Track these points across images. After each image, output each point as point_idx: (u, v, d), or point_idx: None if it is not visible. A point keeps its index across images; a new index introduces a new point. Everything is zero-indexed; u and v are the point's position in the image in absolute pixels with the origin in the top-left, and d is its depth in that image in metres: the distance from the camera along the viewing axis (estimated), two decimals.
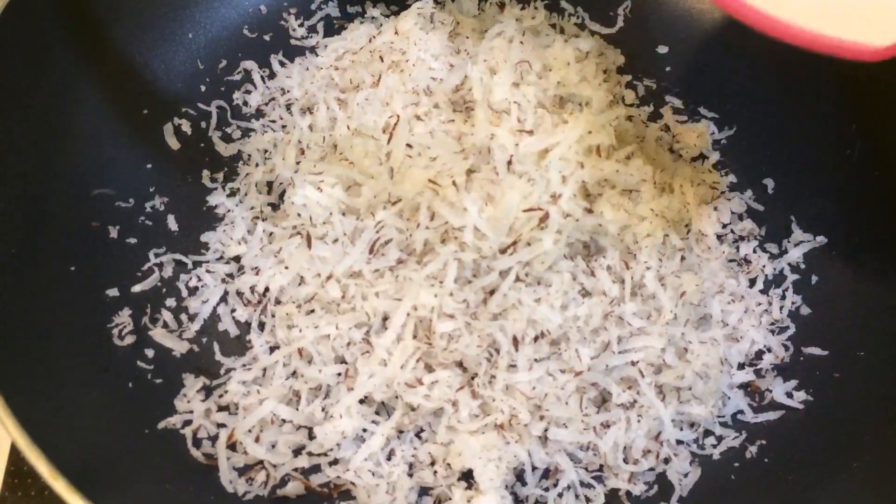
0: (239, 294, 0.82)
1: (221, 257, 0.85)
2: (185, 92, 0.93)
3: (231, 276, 0.84)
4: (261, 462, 0.73)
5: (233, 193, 0.88)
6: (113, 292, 0.80)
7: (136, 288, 0.81)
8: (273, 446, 0.74)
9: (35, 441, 0.61)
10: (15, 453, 0.78)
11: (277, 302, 0.80)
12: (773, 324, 0.82)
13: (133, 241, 0.84)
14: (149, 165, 0.89)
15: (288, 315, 0.78)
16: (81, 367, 0.74)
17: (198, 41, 0.96)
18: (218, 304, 0.82)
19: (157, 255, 0.84)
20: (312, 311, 0.78)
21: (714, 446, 0.76)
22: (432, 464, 0.74)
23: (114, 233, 0.83)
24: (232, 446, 0.73)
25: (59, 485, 0.60)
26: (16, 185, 0.78)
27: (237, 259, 0.84)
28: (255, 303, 0.81)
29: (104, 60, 0.88)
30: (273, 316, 0.79)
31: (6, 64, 0.79)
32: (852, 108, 0.90)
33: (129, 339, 0.78)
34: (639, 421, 0.74)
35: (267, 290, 0.80)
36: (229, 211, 0.87)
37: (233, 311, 0.82)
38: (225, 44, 0.98)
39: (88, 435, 0.69)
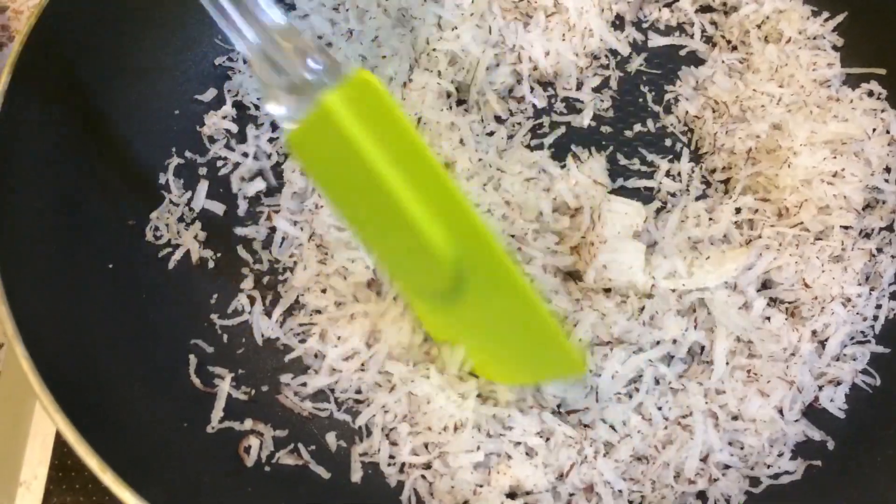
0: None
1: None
2: (216, 92, 0.95)
3: None
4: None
5: None
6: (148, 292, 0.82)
7: None
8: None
9: (83, 435, 0.63)
10: (59, 447, 0.79)
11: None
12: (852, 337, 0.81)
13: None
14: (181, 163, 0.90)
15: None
16: (122, 362, 0.76)
17: (227, 41, 0.97)
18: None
19: None
20: None
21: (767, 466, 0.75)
22: None
23: (150, 234, 0.85)
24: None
25: (108, 477, 0.62)
26: (54, 185, 0.80)
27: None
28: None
29: (137, 64, 0.90)
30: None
31: (43, 68, 0.80)
32: None
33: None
34: (692, 438, 0.74)
35: None
36: None
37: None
38: None
39: (131, 428, 0.71)
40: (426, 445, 0.75)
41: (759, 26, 0.96)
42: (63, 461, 0.79)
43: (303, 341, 0.81)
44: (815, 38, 0.94)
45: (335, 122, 0.63)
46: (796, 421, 0.77)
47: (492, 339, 0.74)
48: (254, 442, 0.76)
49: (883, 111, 0.88)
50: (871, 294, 0.81)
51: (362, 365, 0.77)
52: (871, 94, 0.90)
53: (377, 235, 0.71)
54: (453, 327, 0.75)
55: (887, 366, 0.79)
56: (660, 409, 0.76)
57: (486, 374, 0.76)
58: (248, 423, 0.77)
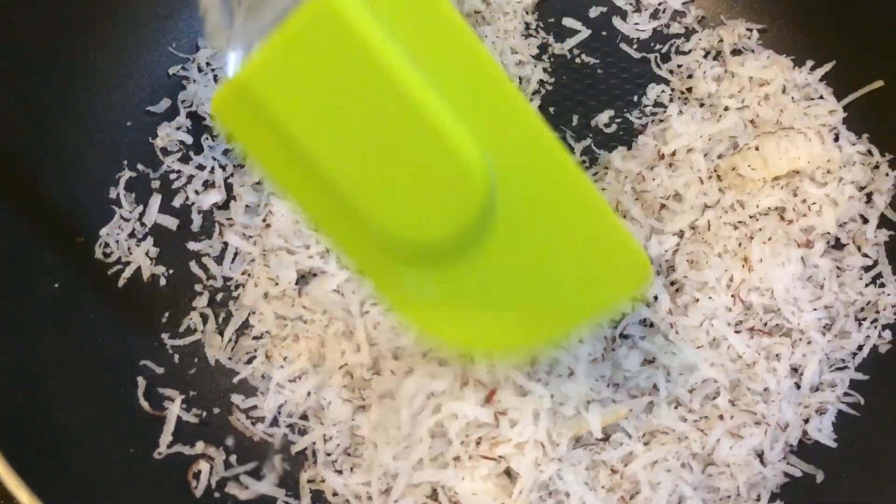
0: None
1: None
2: (169, 103, 0.92)
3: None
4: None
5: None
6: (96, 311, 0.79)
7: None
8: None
9: (13, 465, 0.61)
10: None
11: None
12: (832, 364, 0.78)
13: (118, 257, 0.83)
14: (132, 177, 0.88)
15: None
16: (66, 385, 0.73)
17: (182, 50, 0.95)
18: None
19: None
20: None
21: None
22: None
23: (99, 252, 0.82)
24: None
25: None
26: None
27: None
28: None
29: (87, 73, 0.87)
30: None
31: None
32: None
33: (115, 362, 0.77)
34: (659, 483, 0.70)
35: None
36: None
37: None
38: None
39: (72, 456, 0.69)
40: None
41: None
42: (3, 491, 0.76)
43: (249, 362, 0.78)
44: (805, 87, 0.89)
45: (336, 17, 0.50)
46: (779, 461, 0.73)
47: (526, 281, 0.60)
48: (203, 467, 0.73)
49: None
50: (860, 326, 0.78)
51: (308, 393, 0.75)
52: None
53: (364, 178, 0.56)
54: (462, 292, 0.60)
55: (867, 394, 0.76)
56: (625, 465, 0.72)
57: (496, 343, 0.63)
58: (199, 447, 0.75)
